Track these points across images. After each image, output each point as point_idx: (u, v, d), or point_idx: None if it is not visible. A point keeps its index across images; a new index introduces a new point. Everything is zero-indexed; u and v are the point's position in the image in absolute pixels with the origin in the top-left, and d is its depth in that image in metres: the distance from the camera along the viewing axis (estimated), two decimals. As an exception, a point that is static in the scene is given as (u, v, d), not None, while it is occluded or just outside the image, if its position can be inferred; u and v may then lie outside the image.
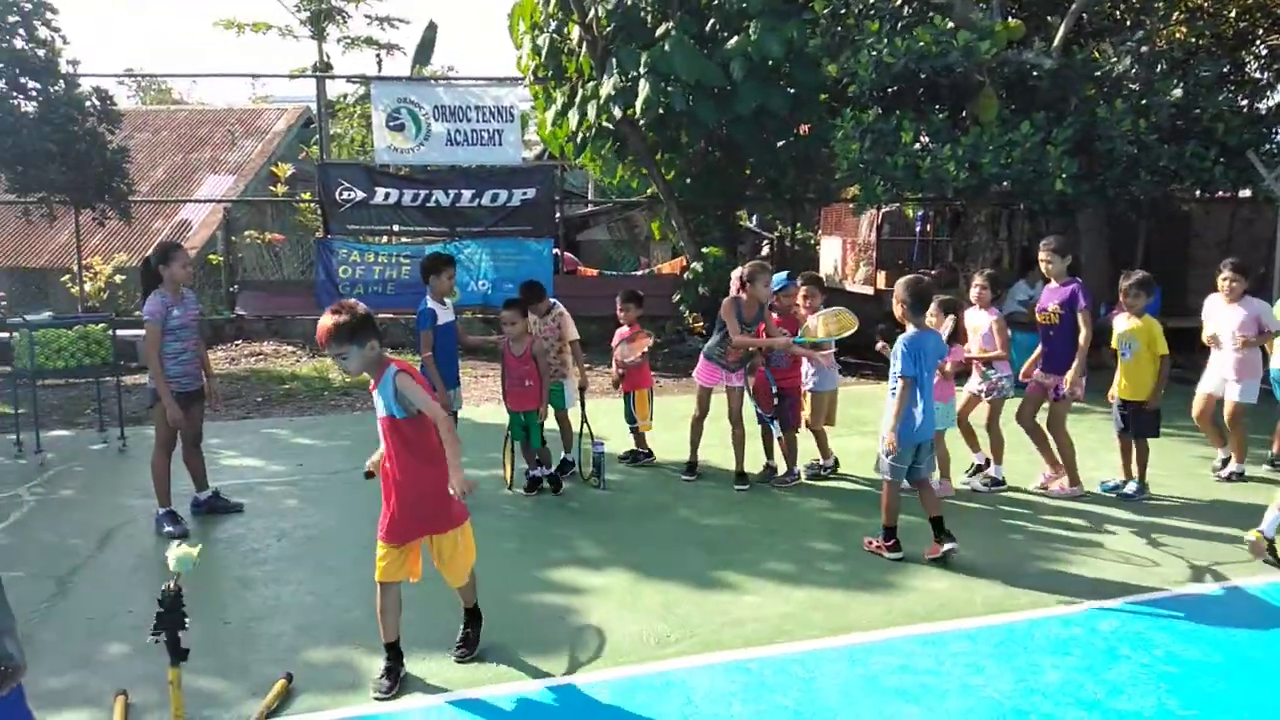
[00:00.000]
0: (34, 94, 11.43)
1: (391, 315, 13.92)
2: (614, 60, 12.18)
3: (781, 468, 6.96)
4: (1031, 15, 11.08)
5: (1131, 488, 6.48)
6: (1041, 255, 6.48)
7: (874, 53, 10.07)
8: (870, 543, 5.48)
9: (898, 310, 5.37)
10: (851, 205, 11.95)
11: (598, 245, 19.63)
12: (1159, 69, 10.31)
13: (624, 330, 7.36)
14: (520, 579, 5.12)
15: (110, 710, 3.69)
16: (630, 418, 7.38)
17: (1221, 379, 6.83)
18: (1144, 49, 10.12)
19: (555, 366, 6.86)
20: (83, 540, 5.73)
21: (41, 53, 11.57)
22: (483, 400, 10.17)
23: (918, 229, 17.77)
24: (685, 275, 13.61)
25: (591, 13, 12.45)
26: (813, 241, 22.46)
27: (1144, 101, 10.01)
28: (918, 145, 10.08)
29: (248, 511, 6.26)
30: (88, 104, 11.38)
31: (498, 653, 4.23)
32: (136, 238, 16.00)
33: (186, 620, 3.33)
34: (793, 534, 5.80)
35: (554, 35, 13.38)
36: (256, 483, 7.00)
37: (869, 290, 17.28)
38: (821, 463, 7.06)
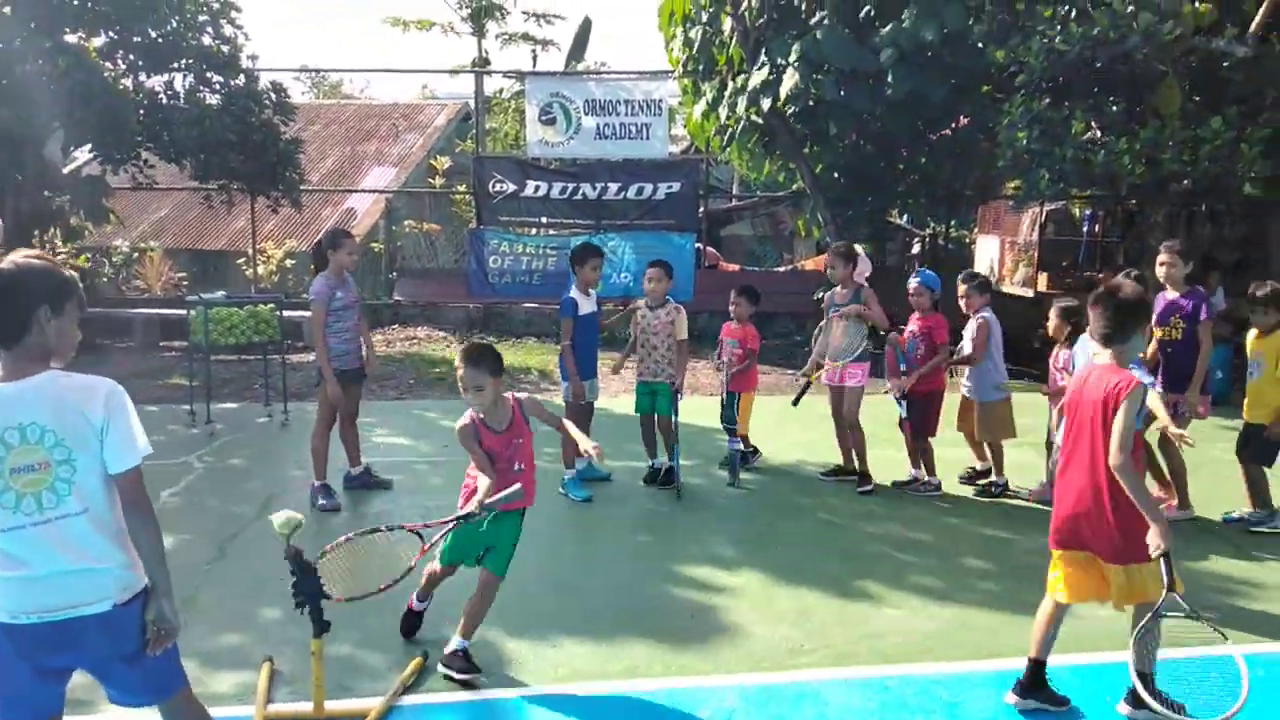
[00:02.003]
0: (218, 87, 12.25)
1: (537, 305, 14.22)
2: (765, 51, 11.98)
3: (921, 475, 6.60)
4: (1224, -1, 10.15)
5: (1239, 512, 5.84)
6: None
7: (1045, 39, 9.48)
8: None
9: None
10: (1011, 202, 11.27)
11: (741, 240, 19.43)
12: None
13: (734, 326, 6.98)
14: (652, 572, 5.08)
15: (257, 673, 3.86)
16: (729, 419, 6.75)
17: None
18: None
19: (663, 366, 6.53)
20: (244, 507, 6.06)
21: (225, 49, 12.37)
22: (620, 392, 10.20)
23: (1085, 229, 16.72)
24: (829, 272, 13.23)
25: (744, 4, 12.28)
26: (968, 240, 21.53)
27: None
28: (1089, 137, 9.42)
29: (396, 488, 6.47)
30: (265, 97, 12.07)
31: (631, 646, 4.18)
32: (306, 224, 16.95)
33: (325, 589, 3.41)
34: (941, 547, 5.51)
35: (705, 27, 13.29)
36: (406, 461, 7.24)
37: (1029, 293, 16.38)
38: (995, 479, 6.50)
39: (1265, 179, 9.36)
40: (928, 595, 4.80)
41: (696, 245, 14.43)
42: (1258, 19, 9.45)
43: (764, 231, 19.54)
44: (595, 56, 37.86)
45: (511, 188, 14.00)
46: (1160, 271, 5.89)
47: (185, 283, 15.42)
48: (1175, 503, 5.93)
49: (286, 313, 8.98)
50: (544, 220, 14.32)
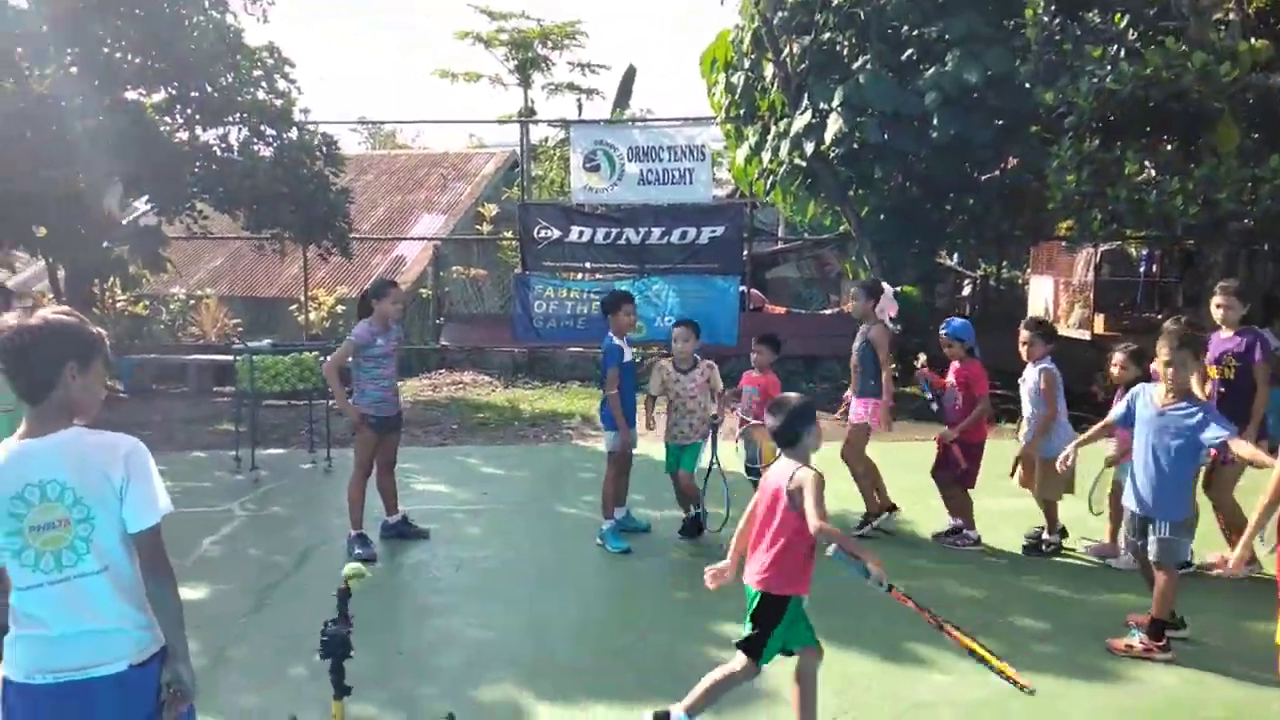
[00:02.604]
0: (270, 140, 12.58)
1: (581, 349, 14.23)
2: (807, 95, 11.98)
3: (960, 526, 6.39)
4: (1275, 34, 9.90)
5: None
6: (1217, 300, 5.64)
7: (1095, 79, 9.31)
8: (1127, 646, 4.57)
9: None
10: (1064, 242, 11.04)
11: (786, 283, 19.32)
12: None
13: (754, 374, 6.69)
14: (689, 630, 4.93)
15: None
16: (753, 459, 6.49)
17: None
18: None
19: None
20: (284, 557, 6.06)
21: (279, 103, 12.72)
22: (656, 438, 10.10)
23: (1142, 269, 16.32)
24: (851, 305, 13.07)
25: (786, 50, 12.32)
26: (1020, 281, 21.15)
27: None
28: (1142, 177, 9.19)
29: (433, 538, 6.42)
30: (316, 150, 12.36)
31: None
32: (357, 272, 17.24)
33: (352, 650, 3.34)
34: (994, 606, 5.28)
35: (747, 74, 13.35)
36: (444, 509, 7.20)
37: (1085, 335, 16.00)
38: (1045, 535, 6.19)
39: (1329, 218, 9.03)
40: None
41: (741, 289, 14.36)
42: (1317, 55, 9.19)
43: (810, 274, 19.42)
44: (640, 104, 38.29)
45: (556, 233, 14.09)
46: (1216, 313, 5.65)
47: (240, 329, 15.73)
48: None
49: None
50: (588, 265, 14.38)
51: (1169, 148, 9.45)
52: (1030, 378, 6.05)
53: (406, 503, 7.10)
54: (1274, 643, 4.65)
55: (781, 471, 3.72)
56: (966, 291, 18.99)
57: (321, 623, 3.32)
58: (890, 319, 6.53)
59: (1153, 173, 9.37)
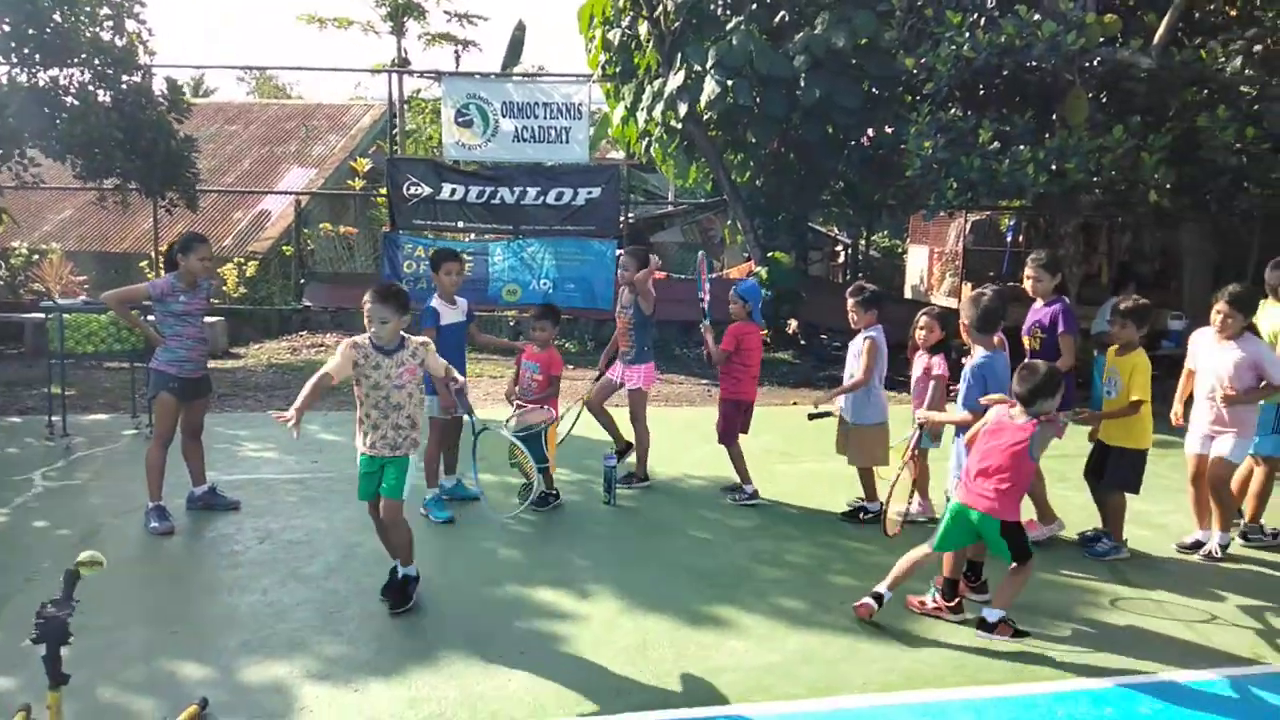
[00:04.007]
0: (110, 85, 11.68)
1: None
2: (680, 55, 11.77)
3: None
4: (1130, 10, 10.13)
5: (1105, 545, 5.52)
6: (1027, 271, 5.71)
7: (954, 46, 9.36)
8: (921, 603, 4.64)
9: (963, 330, 4.90)
10: (924, 211, 11.17)
11: (671, 248, 19.21)
12: (1278, 71, 9.27)
13: (535, 350, 6.24)
14: (497, 601, 4.75)
15: (14, 723, 3.46)
16: (534, 454, 5.70)
17: (1202, 435, 5.47)
18: (1257, 48, 9.11)
19: (405, 431, 4.58)
20: (71, 530, 5.62)
21: (121, 43, 11.82)
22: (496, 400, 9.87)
23: (1009, 239, 16.75)
24: (750, 279, 13.06)
25: (660, 7, 12.05)
26: (900, 250, 21.57)
27: (1256, 107, 9.00)
28: (996, 146, 9.31)
29: (244, 509, 6.06)
30: (158, 95, 11.55)
31: (443, 688, 3.84)
32: (216, 226, 16.37)
33: (71, 636, 3.04)
34: (810, 569, 5.26)
35: (624, 30, 13.04)
36: (267, 478, 6.83)
37: (954, 303, 16.38)
38: (865, 503, 6.18)
39: (1173, 188, 9.31)
40: (781, 622, 4.53)
41: (619, 252, 14.15)
42: (1160, 31, 9.42)
43: (694, 239, 19.34)
44: (535, 61, 37.53)
45: (427, 191, 13.58)
46: (1026, 284, 5.69)
47: (86, 286, 14.74)
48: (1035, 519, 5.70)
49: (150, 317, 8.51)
50: (460, 225, 13.93)
51: (1024, 118, 9.57)
52: (855, 345, 6.03)
53: (232, 470, 6.74)
54: (1058, 607, 4.77)
55: (1019, 423, 4.30)
56: (841, 259, 19.23)
57: (85, 606, 3.01)
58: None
59: (999, 143, 9.48)
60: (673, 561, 5.36)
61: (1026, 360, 4.49)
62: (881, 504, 6.04)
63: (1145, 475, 5.44)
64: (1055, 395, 4.29)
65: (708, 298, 6.60)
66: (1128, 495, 5.45)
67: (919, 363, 5.92)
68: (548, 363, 6.15)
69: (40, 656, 3.01)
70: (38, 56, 11.77)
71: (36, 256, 15.19)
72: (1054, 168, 9.14)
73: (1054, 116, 9.77)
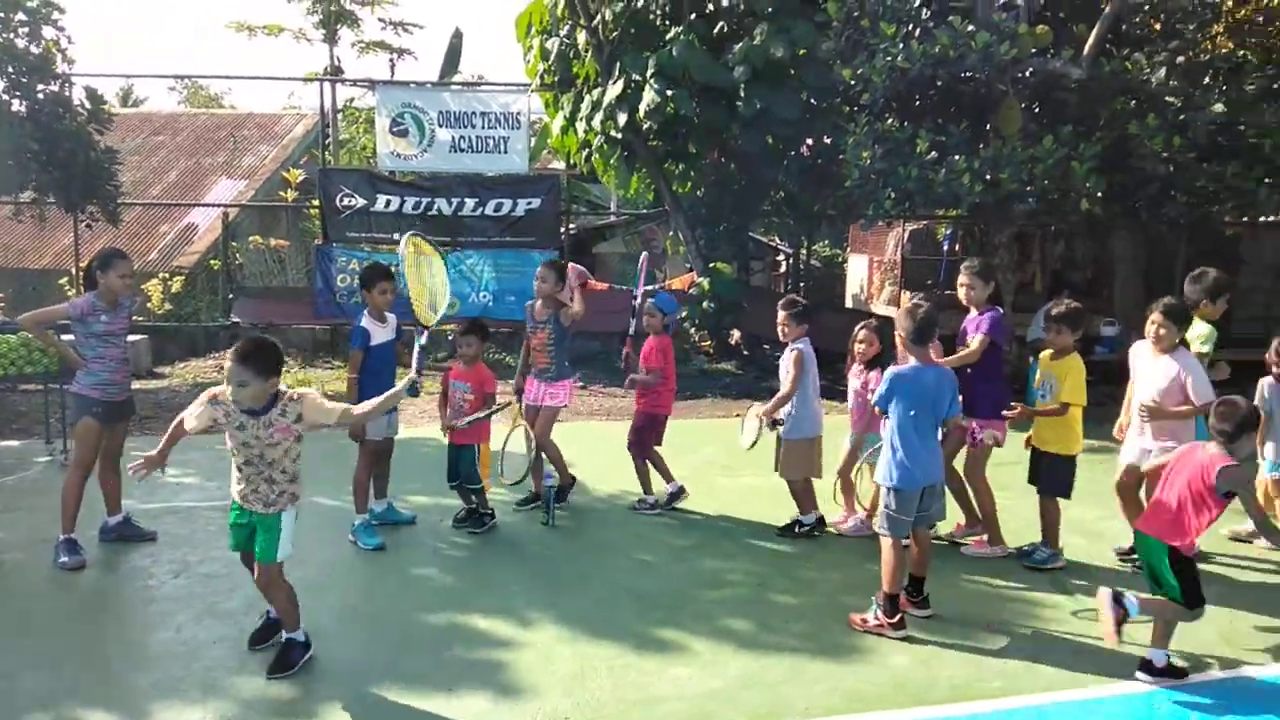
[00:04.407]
0: (33, 94, 11.18)
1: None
2: (619, 65, 11.68)
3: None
4: (1061, 22, 10.31)
5: (1042, 554, 5.48)
6: (961, 279, 5.65)
7: (889, 57, 9.41)
8: (863, 620, 4.55)
9: (899, 341, 4.79)
10: (861, 221, 11.22)
11: (614, 259, 19.11)
12: (1199, 82, 9.50)
13: (461, 367, 6.01)
14: (430, 628, 4.55)
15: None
16: (470, 476, 5.90)
17: (1141, 448, 5.34)
18: (1180, 59, 9.33)
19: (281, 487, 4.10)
20: (-29, 566, 5.27)
21: (37, 50, 11.33)
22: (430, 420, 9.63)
23: (945, 248, 16.98)
24: (692, 291, 13.01)
25: (598, 16, 11.95)
26: (840, 259, 21.75)
27: (1181, 117, 9.20)
28: (932, 156, 9.37)
29: (162, 539, 5.75)
30: (76, 104, 11.10)
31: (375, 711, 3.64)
32: (141, 241, 15.82)
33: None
34: (753, 588, 5.14)
35: (562, 39, 12.91)
36: (188, 505, 6.51)
37: (893, 311, 16.52)
38: (800, 517, 6.06)
39: (1104, 196, 9.46)
40: (724, 644, 4.41)
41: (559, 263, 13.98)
42: (1090, 41, 9.60)
43: (636, 249, 19.24)
44: (473, 70, 37.25)
45: (361, 202, 13.27)
46: (960, 292, 5.67)
47: (2, 304, 14.09)
48: (985, 538, 5.67)
49: (67, 337, 8.12)
50: (396, 237, 13.58)
51: (959, 128, 9.66)
52: (785, 358, 5.97)
53: (149, 499, 6.42)
54: (997, 621, 4.72)
55: (1207, 460, 4.08)
56: (783, 269, 19.30)
57: None
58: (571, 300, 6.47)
59: (936, 153, 9.56)
60: (613, 583, 5.21)
61: (1226, 396, 4.31)
62: (817, 515, 6.02)
63: (1083, 481, 5.46)
64: (1253, 431, 4.17)
65: (639, 297, 6.68)
66: (1063, 502, 5.45)
67: (857, 376, 5.88)
68: (479, 381, 5.92)
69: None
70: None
71: (-52, 273, 14.50)
72: (989, 177, 9.24)
73: (988, 127, 9.88)
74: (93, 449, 5.50)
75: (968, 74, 9.39)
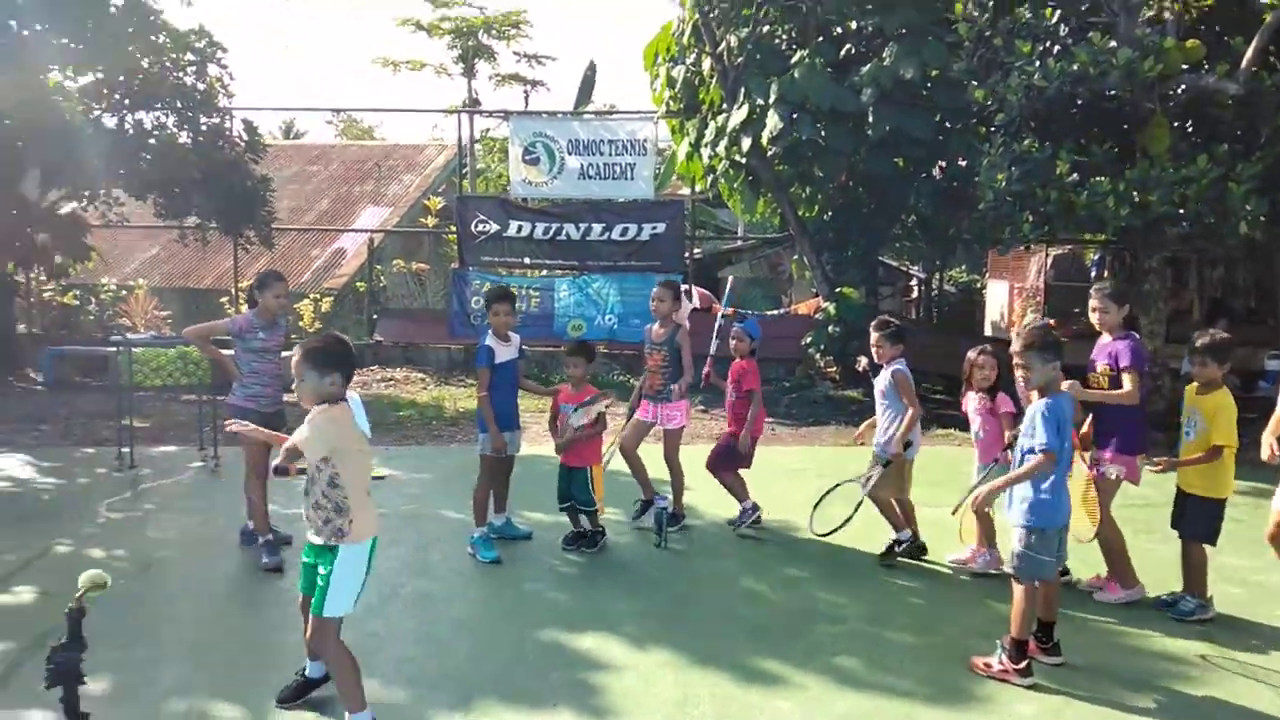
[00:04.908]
0: (194, 126, 12.16)
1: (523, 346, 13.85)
2: (744, 90, 11.70)
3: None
4: (1215, 35, 9.68)
5: (1188, 604, 5.03)
6: (1092, 303, 5.25)
7: (1024, 76, 9.07)
8: (986, 665, 4.28)
9: (1024, 372, 4.34)
10: (997, 245, 10.80)
11: (739, 283, 19.06)
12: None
13: (567, 388, 6.05)
14: (534, 647, 4.60)
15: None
16: (580, 498, 5.93)
17: None
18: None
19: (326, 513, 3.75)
20: (126, 563, 5.69)
21: (202, 86, 12.31)
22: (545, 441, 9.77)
23: (1093, 274, 16.12)
24: (817, 315, 12.82)
25: (723, 44, 12.02)
26: (978, 285, 20.98)
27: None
28: (1073, 178, 8.94)
29: (297, 544, 6.03)
30: (235, 135, 11.98)
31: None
32: (295, 263, 16.83)
33: (84, 678, 3.01)
34: (869, 624, 4.96)
35: (688, 67, 13.04)
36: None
37: (1033, 340, 15.78)
38: (898, 536, 5.93)
39: (1265, 220, 8.80)
40: (833, 681, 4.28)
41: (685, 287, 14.04)
42: (1248, 55, 8.97)
43: (762, 274, 19.15)
44: (606, 99, 38.01)
45: (495, 228, 13.75)
46: (1092, 317, 5.35)
47: (169, 320, 15.29)
48: (1116, 581, 5.27)
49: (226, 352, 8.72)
50: (527, 261, 14.04)
51: (1103, 148, 9.18)
52: (882, 379, 5.85)
53: (291, 503, 6.75)
54: (1131, 668, 4.39)
55: None
56: (915, 294, 18.74)
57: (121, 643, 2.99)
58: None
59: (1077, 175, 9.11)
60: (723, 610, 5.15)
61: None
62: (913, 532, 5.91)
63: (1235, 526, 5.04)
64: None
65: (721, 317, 7.10)
66: (1212, 549, 5.05)
67: (979, 404, 5.63)
68: (586, 401, 5.96)
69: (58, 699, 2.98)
70: (127, 101, 12.36)
71: (124, 292, 15.83)
72: (1136, 199, 8.74)
73: (1131, 146, 9.36)
74: (259, 453, 5.76)
75: (1111, 92, 8.93)
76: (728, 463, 6.48)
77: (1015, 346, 4.30)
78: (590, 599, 5.31)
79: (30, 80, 11.10)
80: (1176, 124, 9.41)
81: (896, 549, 5.88)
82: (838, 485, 6.15)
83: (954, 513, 5.20)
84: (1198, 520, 4.97)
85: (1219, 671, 4.45)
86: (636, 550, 6.15)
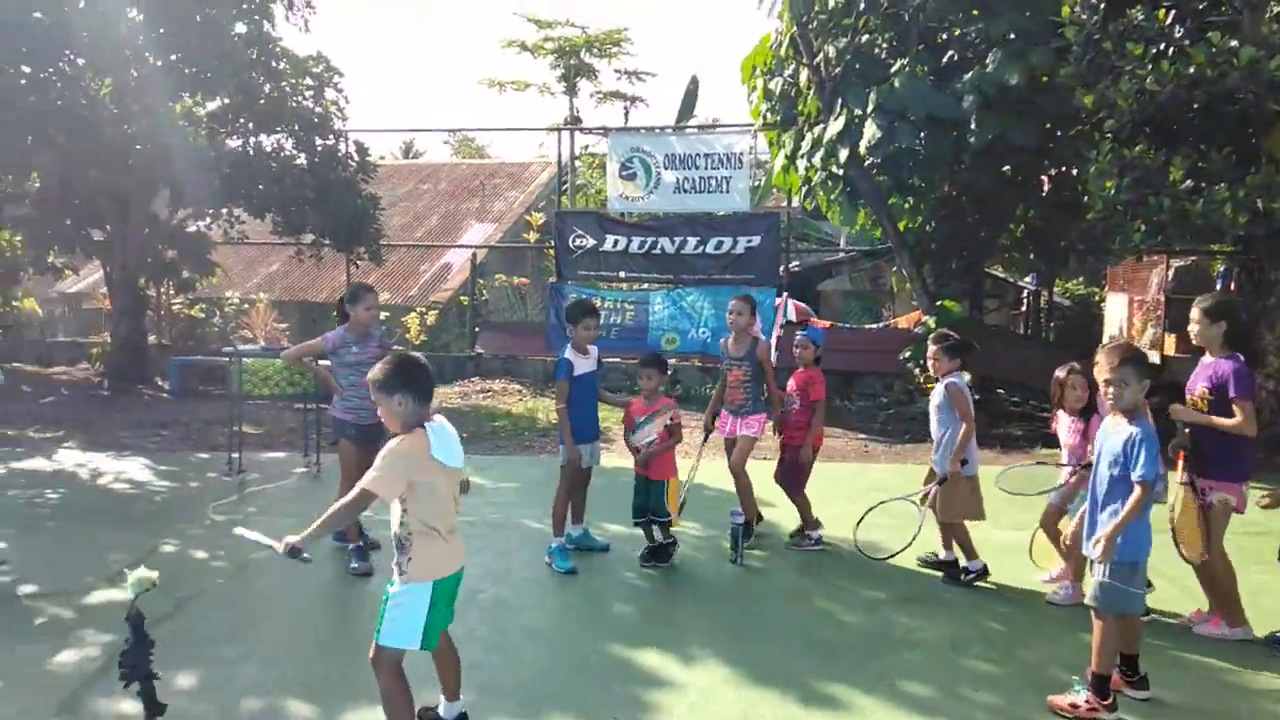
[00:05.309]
0: (310, 147, 12.80)
1: (618, 359, 14.00)
2: (840, 100, 11.53)
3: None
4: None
5: None
6: (1191, 315, 4.90)
7: (1135, 80, 8.63)
8: (1072, 706, 4.01)
9: (1118, 389, 3.99)
10: (1109, 255, 10.30)
11: (835, 296, 18.73)
12: None
13: (639, 401, 6.03)
14: (599, 659, 4.63)
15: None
16: (658, 510, 5.88)
17: None
18: None
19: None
20: (225, 563, 6.00)
21: (319, 110, 12.94)
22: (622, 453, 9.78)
23: (1219, 286, 15.15)
24: (917, 329, 12.48)
25: (820, 54, 11.88)
26: (1097, 298, 20.04)
27: None
28: (1188, 185, 8.45)
29: (385, 550, 6.26)
30: (347, 157, 12.53)
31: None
32: (405, 278, 17.46)
33: (158, 674, 3.18)
34: (945, 650, 4.80)
35: (785, 79, 12.94)
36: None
37: (1154, 356, 14.97)
38: (965, 564, 5.79)
39: None
40: (901, 708, 4.15)
41: (779, 300, 13.92)
42: (1390, 50, 8.29)
43: (863, 286, 18.77)
44: (708, 113, 38.07)
45: (591, 242, 13.92)
46: (1192, 335, 5.01)
47: (287, 332, 16.08)
48: (1224, 619, 4.93)
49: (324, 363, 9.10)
50: (622, 274, 14.17)
51: (1222, 153, 8.64)
52: (937, 394, 5.72)
53: (382, 508, 6.99)
54: (1244, 708, 4.11)
55: None
56: (1025, 307, 18.03)
57: (212, 638, 3.17)
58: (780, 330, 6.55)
59: (1193, 181, 8.60)
60: (794, 630, 5.06)
61: None
62: (983, 563, 5.76)
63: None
64: None
65: (777, 335, 7.18)
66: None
67: (1071, 426, 5.37)
68: (655, 413, 5.96)
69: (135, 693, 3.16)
70: (250, 125, 13.10)
71: (247, 305, 16.74)
72: (1259, 207, 8.19)
73: (1253, 151, 8.78)
74: (352, 467, 5.93)
75: (1234, 94, 8.40)
76: (795, 479, 6.43)
77: (1110, 361, 4.02)
78: (661, 613, 5.31)
79: (160, 107, 11.90)
80: (1307, 126, 8.77)
81: (963, 576, 5.72)
82: (882, 502, 6.05)
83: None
84: None
85: (1332, 717, 4.11)
86: (711, 565, 6.11)
